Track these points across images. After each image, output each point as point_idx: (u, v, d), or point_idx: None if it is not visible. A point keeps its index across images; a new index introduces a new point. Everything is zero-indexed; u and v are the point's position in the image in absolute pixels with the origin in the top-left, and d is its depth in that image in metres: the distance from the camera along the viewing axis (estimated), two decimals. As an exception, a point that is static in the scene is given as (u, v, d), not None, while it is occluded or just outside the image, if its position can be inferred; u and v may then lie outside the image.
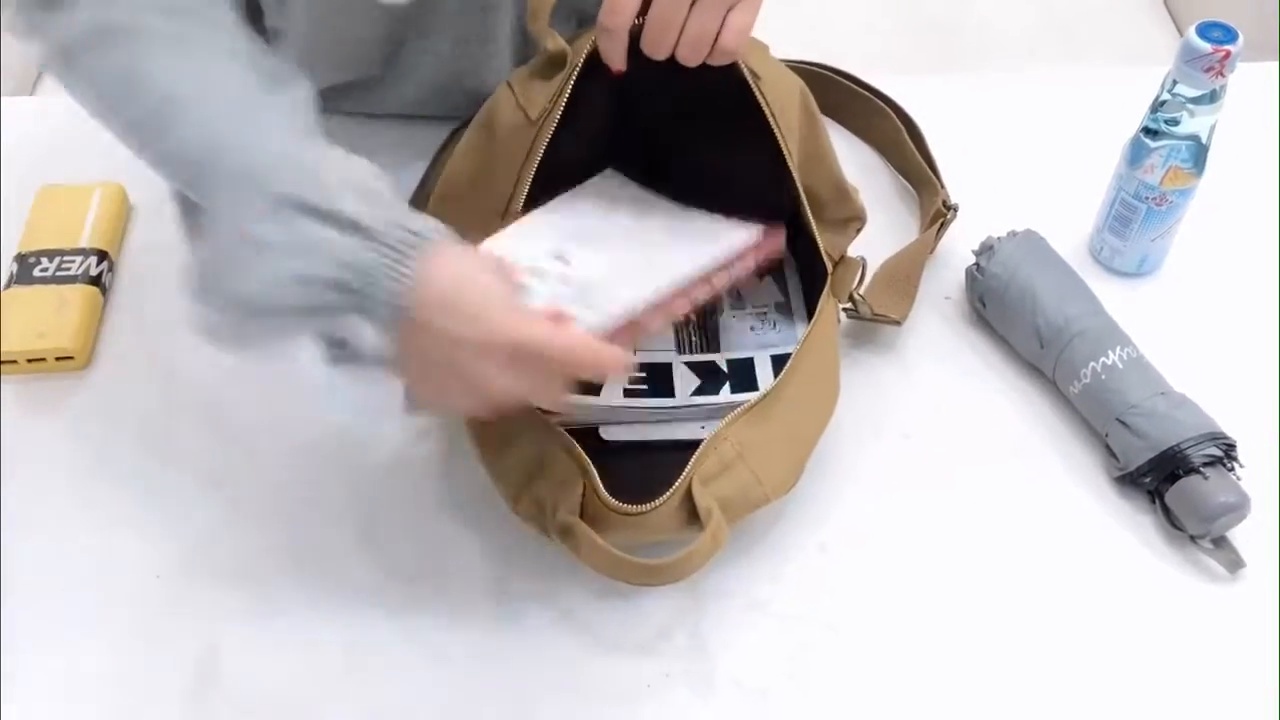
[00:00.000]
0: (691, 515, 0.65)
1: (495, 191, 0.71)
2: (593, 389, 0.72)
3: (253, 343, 0.59)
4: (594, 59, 0.68)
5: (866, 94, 0.94)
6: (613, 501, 0.64)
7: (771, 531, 0.73)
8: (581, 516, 0.65)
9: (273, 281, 0.54)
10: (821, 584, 0.71)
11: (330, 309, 0.55)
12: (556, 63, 0.70)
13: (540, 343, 0.56)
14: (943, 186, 0.87)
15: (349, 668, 0.68)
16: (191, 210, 0.62)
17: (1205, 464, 0.70)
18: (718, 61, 0.65)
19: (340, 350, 0.57)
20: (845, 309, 0.78)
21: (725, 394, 0.74)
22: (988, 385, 0.80)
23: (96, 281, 0.83)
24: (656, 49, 0.64)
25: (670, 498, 0.64)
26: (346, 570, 0.71)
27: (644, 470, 0.68)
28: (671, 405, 0.73)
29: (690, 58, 0.65)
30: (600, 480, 0.65)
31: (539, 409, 0.66)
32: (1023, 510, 0.74)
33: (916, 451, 0.77)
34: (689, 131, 0.75)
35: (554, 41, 0.69)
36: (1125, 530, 0.73)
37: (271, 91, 0.61)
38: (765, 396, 0.68)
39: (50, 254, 0.83)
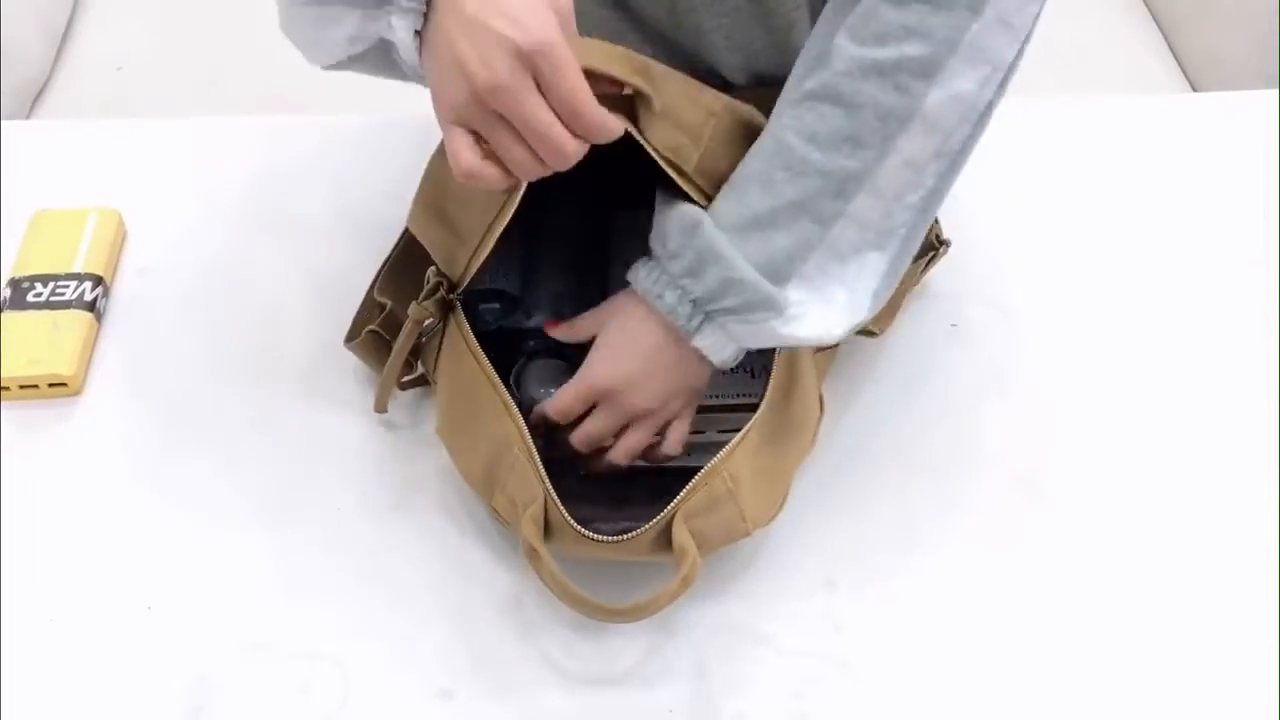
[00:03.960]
0: (668, 544, 0.64)
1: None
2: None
3: (317, 40, 0.66)
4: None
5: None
6: (576, 526, 0.64)
7: (776, 565, 0.72)
8: (546, 525, 0.64)
9: None
10: (830, 619, 0.70)
11: (374, 3, 0.59)
12: None
13: (553, 43, 0.55)
14: (936, 220, 0.86)
15: (346, 700, 0.66)
16: None
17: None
18: (658, 453, 0.71)
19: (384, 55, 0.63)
20: None
21: (712, 433, 0.73)
22: (991, 410, 0.79)
23: (91, 307, 0.82)
24: (581, 449, 0.69)
25: (647, 531, 0.64)
26: (344, 602, 0.70)
27: (626, 483, 0.68)
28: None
29: (619, 460, 0.69)
30: (585, 485, 0.65)
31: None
32: (1031, 538, 0.73)
33: (923, 482, 0.76)
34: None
35: None
36: (1130, 546, 0.72)
37: None
38: (757, 425, 0.67)
39: (44, 279, 0.82)
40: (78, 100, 1.42)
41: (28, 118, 1.37)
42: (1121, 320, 0.83)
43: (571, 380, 0.68)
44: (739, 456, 0.66)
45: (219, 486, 0.75)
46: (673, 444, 0.70)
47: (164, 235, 0.89)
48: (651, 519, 0.64)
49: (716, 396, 0.72)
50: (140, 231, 0.89)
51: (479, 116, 0.57)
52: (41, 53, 1.44)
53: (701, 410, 0.72)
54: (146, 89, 1.42)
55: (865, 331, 0.78)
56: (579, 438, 0.69)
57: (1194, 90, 1.38)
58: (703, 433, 0.72)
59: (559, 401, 0.68)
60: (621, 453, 0.69)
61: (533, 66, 0.55)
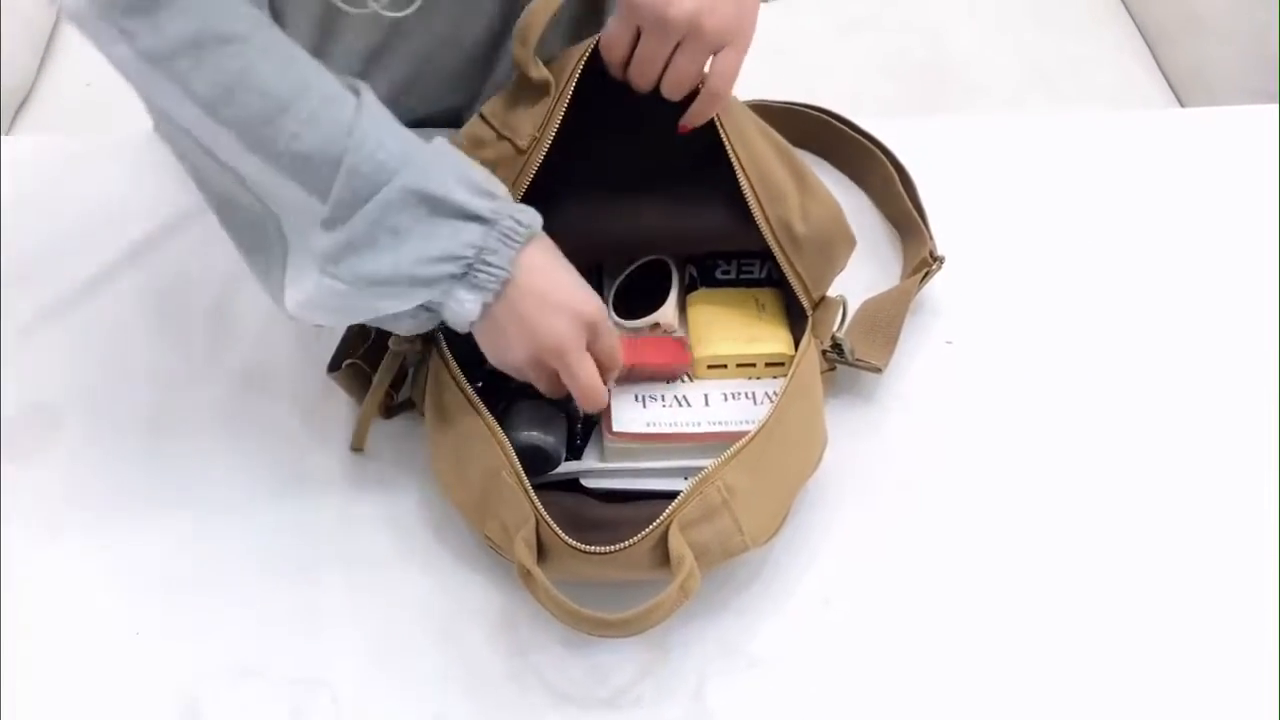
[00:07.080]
0: (664, 558, 0.64)
1: None
2: (572, 452, 0.72)
3: (363, 313, 0.66)
4: (579, 85, 0.70)
5: (859, 138, 0.93)
6: (570, 541, 0.63)
7: (773, 584, 0.71)
8: (539, 546, 0.64)
9: (409, 262, 0.63)
10: (827, 641, 0.69)
11: (446, 281, 0.64)
12: (539, 89, 0.70)
13: (570, 360, 0.66)
14: (931, 237, 0.86)
15: (337, 727, 0.65)
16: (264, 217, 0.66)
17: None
18: (706, 102, 0.68)
19: (428, 313, 0.66)
20: (825, 351, 0.77)
21: (707, 459, 0.72)
22: (987, 427, 0.79)
23: None
24: (640, 83, 0.68)
25: (643, 540, 0.63)
26: (335, 626, 0.69)
27: (623, 507, 0.67)
28: (651, 466, 0.72)
29: (672, 94, 0.68)
30: (578, 509, 0.65)
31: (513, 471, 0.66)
32: (1030, 557, 0.73)
33: (920, 500, 0.75)
34: (660, 158, 0.73)
35: (537, 69, 0.69)
36: (1133, 566, 0.72)
37: (357, 93, 0.65)
38: (755, 438, 0.67)
39: None
40: (58, 114, 1.41)
41: (9, 132, 1.37)
42: (1114, 334, 0.83)
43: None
44: (734, 467, 0.66)
45: (207, 510, 0.74)
46: (719, 75, 0.67)
47: (145, 250, 0.88)
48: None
49: (719, 423, 0.72)
50: (119, 244, 0.88)
51: (534, 372, 0.67)
52: (25, 65, 1.43)
53: (704, 439, 0.71)
54: (122, 104, 1.41)
55: (870, 367, 0.78)
56: (634, 69, 0.68)
57: (1181, 104, 1.39)
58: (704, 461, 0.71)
59: (607, 36, 0.68)
60: (672, 82, 0.67)
61: (590, 332, 0.66)
